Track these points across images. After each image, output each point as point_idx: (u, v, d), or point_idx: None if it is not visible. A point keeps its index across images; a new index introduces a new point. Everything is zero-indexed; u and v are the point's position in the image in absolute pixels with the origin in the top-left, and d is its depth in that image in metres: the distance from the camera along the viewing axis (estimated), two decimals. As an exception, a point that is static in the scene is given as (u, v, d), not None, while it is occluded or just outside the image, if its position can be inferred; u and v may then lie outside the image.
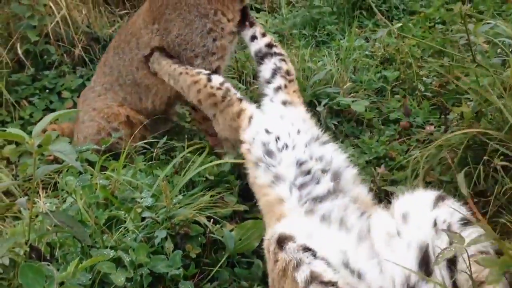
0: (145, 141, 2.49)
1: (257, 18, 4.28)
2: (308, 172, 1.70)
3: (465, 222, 1.38)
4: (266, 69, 2.29)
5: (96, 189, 1.93)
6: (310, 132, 1.87)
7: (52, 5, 3.27)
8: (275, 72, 2.25)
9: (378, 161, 2.37)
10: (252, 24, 2.47)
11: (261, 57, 2.35)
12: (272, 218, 1.63)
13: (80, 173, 2.07)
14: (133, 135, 2.48)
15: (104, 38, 3.44)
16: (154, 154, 2.38)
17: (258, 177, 1.77)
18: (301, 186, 1.65)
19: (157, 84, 2.53)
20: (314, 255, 1.30)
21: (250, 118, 2.00)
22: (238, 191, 2.12)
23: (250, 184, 1.87)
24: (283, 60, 2.31)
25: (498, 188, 1.75)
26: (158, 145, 2.41)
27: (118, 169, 2.03)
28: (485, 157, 1.84)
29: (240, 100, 2.10)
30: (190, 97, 2.24)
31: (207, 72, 2.25)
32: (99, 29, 3.48)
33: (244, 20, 2.49)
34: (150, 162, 2.32)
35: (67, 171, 2.18)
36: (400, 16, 4.22)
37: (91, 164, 2.30)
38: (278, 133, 1.85)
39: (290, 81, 2.21)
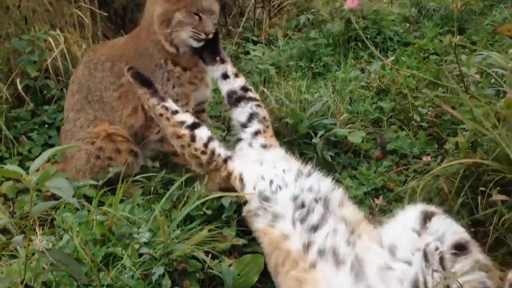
0: (143, 175, 2.49)
1: (254, 50, 4.35)
2: (303, 205, 1.75)
3: (459, 248, 1.36)
4: (242, 112, 2.31)
5: (93, 225, 1.92)
6: (294, 168, 1.94)
7: (51, 40, 3.32)
8: (252, 117, 2.28)
9: (376, 192, 2.37)
10: (223, 61, 2.45)
11: (236, 99, 2.36)
12: (280, 256, 1.65)
13: (77, 209, 2.06)
14: (119, 150, 2.49)
15: (102, 73, 3.47)
16: (152, 188, 2.38)
17: (258, 222, 1.82)
18: (302, 220, 1.69)
19: (123, 109, 2.54)
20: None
21: (241, 177, 2.02)
22: (237, 225, 2.11)
23: (257, 238, 1.89)
24: (259, 106, 2.34)
25: (497, 218, 1.74)
26: (156, 179, 2.41)
27: (115, 204, 2.03)
28: (483, 188, 1.85)
29: (226, 160, 2.11)
30: (174, 145, 2.22)
31: (190, 123, 2.19)
32: (98, 63, 3.52)
33: (215, 55, 2.46)
34: (148, 196, 2.32)
35: (64, 207, 2.17)
36: (395, 47, 4.30)
37: (89, 199, 2.30)
38: (270, 177, 1.91)
39: (267, 126, 2.29)
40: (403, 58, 3.77)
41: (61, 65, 3.35)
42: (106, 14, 4.12)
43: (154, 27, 2.43)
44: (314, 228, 1.64)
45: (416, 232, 1.45)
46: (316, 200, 1.76)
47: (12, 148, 2.98)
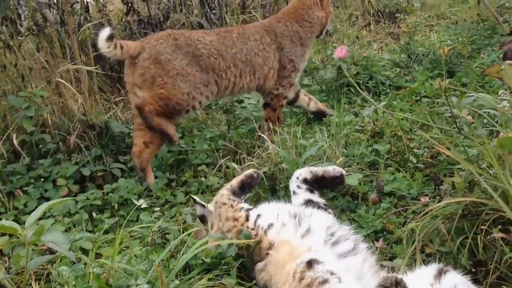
0: (140, 225, 2.47)
1: (248, 98, 4.42)
2: (333, 234, 1.85)
3: None
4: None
5: (90, 279, 1.88)
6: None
7: (48, 95, 3.37)
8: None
9: (376, 235, 2.34)
10: None
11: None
12: (290, 261, 1.73)
13: (74, 262, 2.03)
14: None
15: (99, 125, 3.51)
16: (149, 238, 2.36)
17: (282, 234, 1.90)
18: (332, 244, 1.81)
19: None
20: (340, 280, 1.48)
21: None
22: (237, 272, 2.08)
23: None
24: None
25: (497, 258, 1.72)
26: (154, 229, 2.39)
27: (112, 256, 2.00)
28: (483, 227, 1.84)
29: (266, 232, 2.05)
30: (219, 228, 2.20)
31: (246, 208, 2.21)
32: (94, 116, 3.56)
33: None
34: (145, 247, 2.29)
35: (60, 261, 2.14)
36: (387, 91, 4.38)
37: (85, 252, 2.27)
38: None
39: None
40: (395, 101, 3.83)
41: (58, 119, 3.38)
42: (101, 69, 4.21)
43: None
44: (344, 255, 1.77)
45: (431, 285, 1.52)
46: (345, 238, 1.86)
47: (8, 202, 2.96)
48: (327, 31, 4.30)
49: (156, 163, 3.37)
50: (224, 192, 2.28)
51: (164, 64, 3.16)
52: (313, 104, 3.94)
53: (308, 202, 2.32)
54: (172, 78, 3.17)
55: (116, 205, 2.91)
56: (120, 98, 4.15)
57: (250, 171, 2.40)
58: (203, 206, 2.38)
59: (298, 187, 2.41)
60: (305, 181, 2.41)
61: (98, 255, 2.15)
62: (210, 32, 3.47)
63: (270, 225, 2.01)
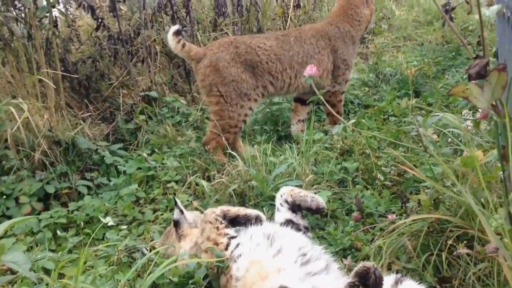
0: (106, 244, 2.42)
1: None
2: (305, 254, 1.85)
3: None
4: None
5: (52, 299, 1.82)
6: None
7: (13, 110, 3.29)
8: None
9: (344, 252, 2.35)
10: None
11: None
12: (258, 280, 1.74)
13: (35, 283, 1.97)
14: None
15: (65, 141, 3.44)
16: (115, 257, 2.30)
17: (253, 254, 1.89)
18: (302, 263, 1.81)
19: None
20: None
21: None
22: (205, 292, 2.05)
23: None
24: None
25: (461, 274, 1.75)
26: (120, 248, 2.34)
27: (76, 276, 1.94)
28: (449, 242, 1.87)
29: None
30: (197, 243, 2.18)
31: (230, 235, 2.16)
32: (60, 132, 3.49)
33: None
34: (111, 267, 2.23)
35: (21, 281, 2.06)
36: (356, 109, 4.44)
37: (48, 272, 2.20)
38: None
39: None
40: (364, 120, 3.89)
41: (24, 136, 3.30)
42: (69, 84, 4.15)
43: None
44: (313, 274, 1.76)
45: None
46: (317, 259, 1.86)
47: (-32, 220, 2.86)
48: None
49: (124, 179, 3.32)
50: (216, 211, 2.22)
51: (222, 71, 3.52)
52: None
53: (288, 222, 2.32)
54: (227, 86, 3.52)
55: (81, 223, 2.84)
56: (88, 114, 4.09)
57: (256, 213, 2.26)
58: (181, 212, 2.37)
59: (281, 205, 2.41)
60: (286, 201, 2.40)
61: (61, 275, 2.08)
62: (271, 37, 3.79)
63: (240, 255, 1.98)
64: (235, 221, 2.18)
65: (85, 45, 4.81)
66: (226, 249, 2.03)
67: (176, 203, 2.39)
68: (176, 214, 2.37)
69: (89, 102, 4.25)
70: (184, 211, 2.39)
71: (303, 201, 2.36)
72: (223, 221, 2.14)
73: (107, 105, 4.36)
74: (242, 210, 2.23)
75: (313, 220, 2.63)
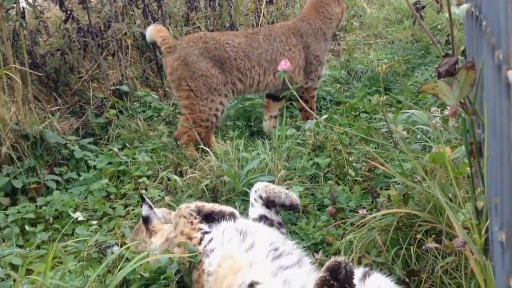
0: (76, 239, 2.38)
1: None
2: (277, 249, 1.86)
3: None
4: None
5: (19, 296, 1.78)
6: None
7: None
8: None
9: (315, 246, 2.38)
10: None
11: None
12: (230, 275, 1.74)
13: (2, 279, 1.92)
14: None
15: (33, 135, 3.36)
16: (85, 253, 2.27)
17: (225, 248, 1.89)
18: (274, 258, 1.82)
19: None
20: None
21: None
22: (177, 286, 2.04)
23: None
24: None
25: (430, 267, 1.79)
26: (90, 243, 2.30)
27: (44, 271, 1.90)
28: (418, 236, 1.91)
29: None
30: (169, 238, 2.16)
31: (204, 230, 2.14)
32: (28, 126, 3.41)
33: None
34: (80, 262, 2.20)
35: (-13, 277, 2.01)
36: (328, 106, 4.49)
37: (15, 267, 2.15)
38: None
39: None
40: (335, 116, 3.93)
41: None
42: (37, 77, 4.05)
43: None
44: (285, 267, 1.78)
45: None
46: (290, 253, 1.88)
47: None
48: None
49: (94, 174, 3.27)
50: (191, 206, 2.20)
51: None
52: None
53: (262, 218, 2.32)
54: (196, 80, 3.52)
55: (50, 219, 2.79)
56: (57, 107, 4.01)
57: (230, 209, 2.24)
58: (150, 207, 2.35)
59: (255, 200, 2.39)
60: (261, 197, 2.39)
61: (29, 271, 2.04)
62: (240, 34, 3.82)
63: (212, 250, 1.98)
64: (209, 217, 2.17)
65: (53, 37, 4.70)
66: (200, 243, 2.02)
67: (143, 199, 2.37)
68: (145, 210, 2.34)
69: (57, 95, 4.15)
70: (153, 206, 2.37)
71: (277, 198, 2.36)
72: (197, 216, 2.13)
73: (77, 98, 4.27)
74: (217, 207, 2.21)
75: (285, 215, 2.65)
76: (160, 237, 2.23)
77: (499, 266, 0.96)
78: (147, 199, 2.38)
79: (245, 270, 1.76)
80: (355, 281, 1.60)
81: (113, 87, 4.28)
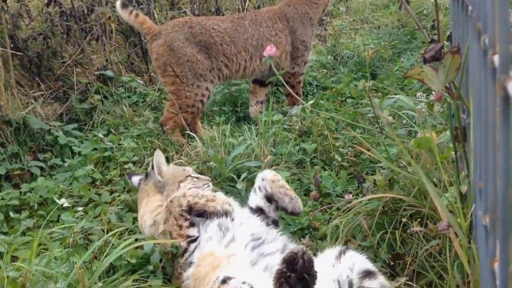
0: (61, 226, 2.36)
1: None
2: (259, 239, 1.87)
3: (365, 275, 1.60)
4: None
5: (4, 283, 1.77)
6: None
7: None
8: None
9: (302, 231, 2.39)
10: None
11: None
12: (211, 271, 1.74)
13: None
14: None
15: (16, 121, 3.31)
16: (71, 239, 2.26)
17: (206, 247, 1.89)
18: (254, 247, 1.83)
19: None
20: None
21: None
22: (163, 272, 2.04)
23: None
24: None
25: (414, 251, 1.82)
26: (75, 230, 2.29)
27: (30, 258, 1.89)
28: (403, 220, 1.93)
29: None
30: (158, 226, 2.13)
31: (190, 239, 2.04)
32: (11, 111, 3.36)
33: None
34: (66, 249, 2.19)
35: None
36: (314, 91, 4.48)
37: (0, 255, 2.13)
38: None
39: None
40: (322, 101, 3.94)
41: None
42: (20, 62, 3.98)
43: None
44: (266, 254, 1.80)
45: (333, 265, 1.67)
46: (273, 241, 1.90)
47: None
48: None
49: (79, 160, 3.24)
50: (183, 204, 2.03)
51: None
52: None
53: (258, 211, 2.18)
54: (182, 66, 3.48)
55: (35, 205, 2.76)
56: (40, 93, 3.95)
57: (225, 208, 2.05)
58: (152, 167, 2.42)
59: (259, 189, 2.22)
60: (265, 189, 2.20)
61: (14, 258, 2.02)
62: (226, 19, 3.77)
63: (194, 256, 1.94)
64: (201, 215, 2.05)
65: (35, 21, 4.60)
66: (182, 255, 1.97)
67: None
68: (149, 167, 2.44)
69: (40, 80, 4.08)
70: (156, 167, 2.41)
71: (281, 200, 2.16)
72: (188, 217, 2.01)
73: (60, 84, 4.21)
74: (210, 205, 2.04)
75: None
76: (146, 206, 2.29)
77: (482, 250, 0.97)
78: (156, 159, 2.43)
79: (223, 264, 1.75)
80: (331, 259, 1.64)
81: (97, 72, 4.22)
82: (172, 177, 2.36)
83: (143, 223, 2.26)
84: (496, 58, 0.64)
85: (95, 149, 3.33)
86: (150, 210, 2.25)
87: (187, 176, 2.34)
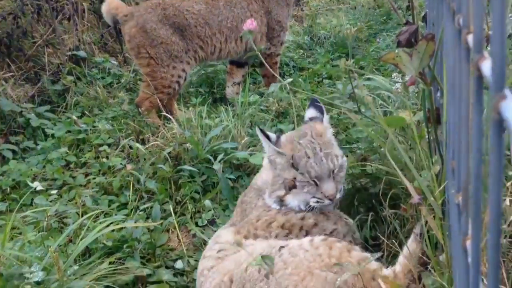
0: (35, 210, 2.33)
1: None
2: None
3: None
4: None
5: (-23, 268, 1.74)
6: None
7: None
8: None
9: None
10: None
11: None
12: None
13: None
14: None
15: (-14, 103, 3.23)
16: (45, 223, 2.23)
17: None
18: None
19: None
20: None
21: None
22: (141, 254, 2.04)
23: None
24: None
25: (388, 232, 1.84)
26: (49, 213, 2.26)
27: (2, 242, 1.86)
28: (378, 199, 1.95)
29: None
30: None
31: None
32: (-20, 93, 3.27)
33: None
34: (40, 233, 2.16)
35: None
36: (291, 72, 4.48)
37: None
38: None
39: None
40: (299, 80, 3.93)
41: None
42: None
43: None
44: None
45: None
46: None
47: None
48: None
49: (52, 142, 3.18)
50: None
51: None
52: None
53: None
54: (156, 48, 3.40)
55: (7, 189, 2.71)
56: (10, 74, 3.84)
57: None
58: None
59: None
60: None
61: (-13, 243, 1.98)
62: (200, 1, 3.65)
63: None
64: None
65: (5, 0, 4.46)
66: None
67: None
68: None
69: (11, 61, 3.97)
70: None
71: None
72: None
73: (31, 64, 4.10)
74: None
75: (248, 182, 2.66)
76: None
77: (455, 229, 0.99)
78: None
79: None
80: None
81: (69, 53, 4.13)
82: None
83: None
84: (470, 38, 0.64)
85: (69, 131, 3.27)
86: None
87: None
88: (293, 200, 1.79)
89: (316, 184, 1.76)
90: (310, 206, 1.76)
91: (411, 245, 1.55)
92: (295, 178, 1.77)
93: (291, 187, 1.77)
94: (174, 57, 3.47)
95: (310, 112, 2.03)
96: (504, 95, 0.47)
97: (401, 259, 1.53)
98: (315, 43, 5.18)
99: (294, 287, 1.40)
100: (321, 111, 2.00)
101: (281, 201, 1.79)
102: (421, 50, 1.43)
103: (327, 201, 1.74)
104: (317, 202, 1.75)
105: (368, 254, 1.54)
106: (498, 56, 0.48)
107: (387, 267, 1.54)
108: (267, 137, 1.82)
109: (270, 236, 1.71)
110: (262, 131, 1.82)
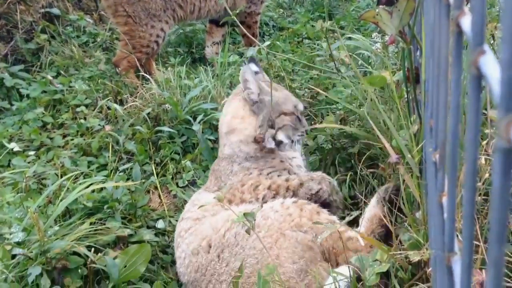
0: (12, 171, 2.30)
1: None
2: None
3: None
4: None
5: (-45, 230, 1.73)
6: None
7: None
8: None
9: (259, 172, 2.42)
10: None
11: None
12: None
13: None
14: None
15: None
16: (23, 184, 2.20)
17: None
18: None
19: None
20: None
21: None
22: (122, 215, 2.04)
23: None
24: None
25: (367, 191, 1.88)
26: (28, 174, 2.23)
27: (-19, 204, 1.84)
28: (356, 158, 1.98)
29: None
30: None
31: None
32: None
33: None
34: (19, 194, 2.14)
35: None
36: (271, 32, 4.42)
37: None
38: None
39: None
40: (278, 42, 3.89)
41: None
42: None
43: None
44: None
45: None
46: None
47: None
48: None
49: (28, 103, 3.11)
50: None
51: None
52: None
53: None
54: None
55: (-17, 151, 2.66)
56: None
57: None
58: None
59: None
60: None
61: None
62: None
63: None
64: None
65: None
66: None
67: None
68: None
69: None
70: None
71: None
72: None
73: (3, 22, 3.95)
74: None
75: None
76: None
77: (431, 186, 1.01)
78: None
79: None
80: None
81: (42, 10, 3.99)
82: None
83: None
84: (451, -6, 0.64)
85: (44, 91, 3.20)
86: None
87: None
88: (283, 137, 1.98)
89: (299, 120, 2.01)
90: (293, 141, 2.01)
91: (374, 208, 1.62)
92: (295, 107, 2.04)
93: (280, 125, 1.96)
94: (152, 16, 3.38)
95: (253, 67, 2.20)
96: (483, 50, 0.47)
97: (365, 221, 1.61)
98: (295, 2, 5.11)
99: (268, 250, 1.44)
100: (259, 67, 2.26)
101: (274, 139, 1.95)
102: (401, 8, 1.43)
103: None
104: (301, 135, 2.02)
105: (335, 217, 1.62)
106: (478, 11, 0.48)
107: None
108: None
109: (257, 198, 1.76)
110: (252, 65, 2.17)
